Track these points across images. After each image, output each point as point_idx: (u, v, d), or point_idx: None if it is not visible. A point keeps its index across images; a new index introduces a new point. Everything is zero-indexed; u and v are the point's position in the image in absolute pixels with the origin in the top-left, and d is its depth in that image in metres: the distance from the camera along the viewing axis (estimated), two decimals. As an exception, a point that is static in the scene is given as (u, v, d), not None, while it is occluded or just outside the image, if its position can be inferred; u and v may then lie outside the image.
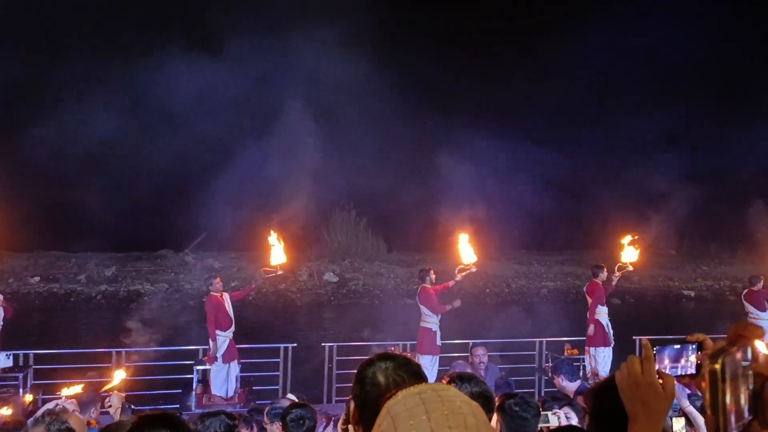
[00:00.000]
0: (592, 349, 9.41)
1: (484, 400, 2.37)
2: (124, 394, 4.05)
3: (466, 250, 9.53)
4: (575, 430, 2.72)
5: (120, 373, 4.17)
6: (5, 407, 5.81)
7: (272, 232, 9.77)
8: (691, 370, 1.29)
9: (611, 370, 8.90)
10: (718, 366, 1.16)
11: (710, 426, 1.17)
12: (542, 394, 9.01)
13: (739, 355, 1.21)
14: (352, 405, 1.63)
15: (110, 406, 3.98)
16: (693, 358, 1.29)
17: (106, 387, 4.17)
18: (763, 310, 10.55)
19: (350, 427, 1.66)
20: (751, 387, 1.22)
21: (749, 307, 10.71)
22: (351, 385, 1.67)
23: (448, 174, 19.50)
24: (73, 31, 20.68)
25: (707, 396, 1.17)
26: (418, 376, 1.62)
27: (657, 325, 16.28)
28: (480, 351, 8.06)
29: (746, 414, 1.19)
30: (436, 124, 21.72)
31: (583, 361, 9.50)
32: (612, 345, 9.61)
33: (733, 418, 1.16)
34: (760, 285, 10.77)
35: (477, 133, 19.33)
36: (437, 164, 19.59)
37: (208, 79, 17.63)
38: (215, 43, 19.87)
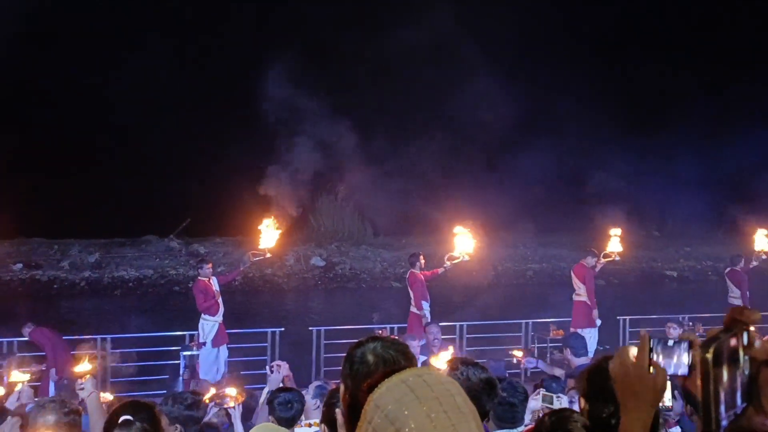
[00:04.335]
0: (578, 330, 9.53)
1: (489, 386, 2.32)
2: (93, 378, 3.77)
3: (461, 242, 9.57)
4: (567, 412, 2.73)
5: (86, 365, 3.88)
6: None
7: (269, 216, 9.78)
8: (683, 371, 1.25)
9: (595, 351, 9.01)
10: (709, 355, 1.15)
11: (702, 415, 1.16)
12: (528, 375, 9.10)
13: (733, 342, 1.19)
14: (342, 388, 1.62)
15: (82, 389, 3.65)
16: (684, 358, 1.25)
17: (76, 370, 3.88)
18: (745, 290, 10.70)
19: (338, 411, 1.64)
20: (746, 373, 1.19)
21: (731, 286, 10.86)
22: (339, 368, 1.66)
23: (434, 156, 19.47)
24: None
25: (699, 386, 1.16)
26: (407, 355, 1.61)
27: (640, 306, 16.47)
28: (434, 329, 8.09)
29: (738, 402, 1.17)
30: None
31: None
32: (597, 326, 9.74)
33: (723, 408, 1.14)
34: (741, 264, 10.88)
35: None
36: (423, 147, 19.56)
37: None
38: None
